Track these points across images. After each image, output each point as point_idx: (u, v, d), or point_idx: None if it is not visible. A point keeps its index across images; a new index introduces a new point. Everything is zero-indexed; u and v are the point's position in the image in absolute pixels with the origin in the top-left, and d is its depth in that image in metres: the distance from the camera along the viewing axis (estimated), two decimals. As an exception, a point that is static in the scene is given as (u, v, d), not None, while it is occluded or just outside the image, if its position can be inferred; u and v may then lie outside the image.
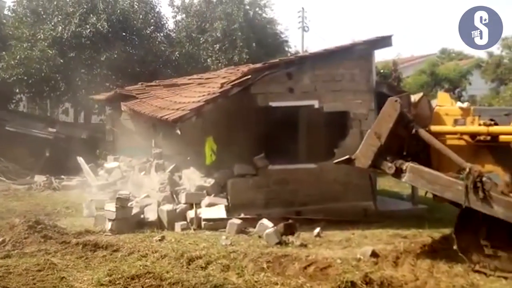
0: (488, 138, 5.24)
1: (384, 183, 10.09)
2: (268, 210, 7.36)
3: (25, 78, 14.50)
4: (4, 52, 14.68)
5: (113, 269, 4.93)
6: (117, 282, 4.62)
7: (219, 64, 16.52)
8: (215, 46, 17.24)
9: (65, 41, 14.91)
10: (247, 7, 18.36)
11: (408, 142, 5.49)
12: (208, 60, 17.15)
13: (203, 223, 7.00)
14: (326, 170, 7.63)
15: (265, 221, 6.66)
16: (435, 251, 5.74)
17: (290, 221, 6.82)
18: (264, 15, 19.02)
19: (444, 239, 6.07)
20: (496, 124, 5.26)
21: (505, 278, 4.92)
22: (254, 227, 6.73)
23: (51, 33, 14.85)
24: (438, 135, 5.43)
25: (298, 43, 28.96)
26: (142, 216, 7.29)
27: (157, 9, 17.61)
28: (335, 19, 67.16)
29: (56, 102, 16.80)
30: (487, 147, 5.32)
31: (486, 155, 5.32)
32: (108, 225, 6.81)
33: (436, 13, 77.50)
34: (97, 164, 11.89)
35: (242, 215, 7.14)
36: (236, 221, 6.88)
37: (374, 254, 5.51)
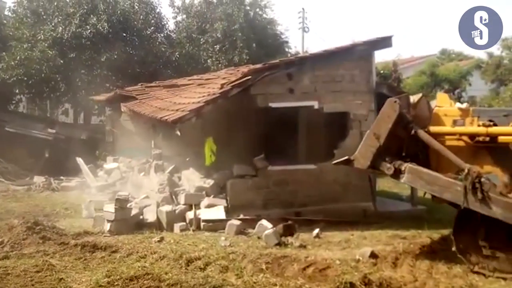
0: (487, 139, 5.23)
1: (384, 184, 10.09)
2: (268, 211, 7.36)
3: (25, 78, 14.50)
4: (4, 53, 14.68)
5: (112, 270, 4.93)
6: (116, 283, 4.61)
7: (219, 65, 16.54)
8: (215, 46, 17.26)
9: (65, 41, 14.92)
10: (248, 7, 18.38)
11: (407, 143, 5.48)
12: (208, 61, 17.16)
13: (202, 224, 6.99)
14: (326, 171, 7.62)
15: (264, 222, 6.65)
16: (434, 252, 5.74)
17: (289, 222, 6.81)
18: (264, 15, 19.06)
19: (443, 240, 6.06)
20: (495, 125, 5.25)
21: (504, 279, 4.91)
22: (253, 228, 6.72)
23: (51, 33, 14.86)
24: (437, 136, 5.42)
25: (298, 43, 29.10)
26: (141, 217, 7.28)
27: (157, 10, 17.67)
28: (335, 20, 67.35)
29: (56, 103, 16.80)
30: (486, 148, 5.31)
31: (485, 156, 5.32)
32: (107, 226, 6.80)
33: (436, 13, 77.60)
34: (96, 165, 11.88)
35: (242, 216, 7.14)
36: (235, 222, 6.87)
37: (373, 255, 5.51)
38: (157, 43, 17.05)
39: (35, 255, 5.54)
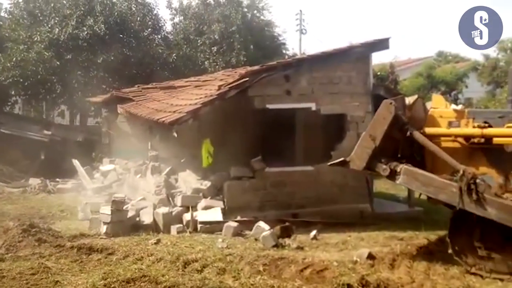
0: (482, 140, 5.26)
1: (381, 185, 10.10)
2: (265, 213, 7.36)
3: (21, 80, 14.43)
4: (0, 54, 14.63)
5: (108, 273, 4.90)
6: (112, 285, 4.59)
7: (217, 67, 16.53)
8: (212, 48, 17.26)
9: (61, 43, 14.87)
10: (245, 9, 18.40)
11: (403, 144, 5.51)
12: (206, 63, 17.15)
13: (199, 226, 6.98)
14: (323, 172, 7.63)
15: (261, 223, 6.65)
16: (431, 253, 5.76)
17: (286, 223, 6.81)
18: (262, 17, 19.08)
19: (440, 241, 6.08)
20: (490, 126, 5.28)
21: (501, 280, 4.93)
22: (251, 229, 6.72)
23: (48, 35, 14.81)
24: (432, 137, 5.45)
25: (295, 45, 29.11)
26: (137, 219, 7.26)
27: (155, 12, 17.62)
28: (332, 22, 67.59)
29: (52, 105, 16.74)
30: (481, 149, 5.34)
31: (480, 157, 5.35)
32: (103, 228, 6.78)
33: (433, 16, 78.03)
34: (92, 166, 11.85)
35: (239, 218, 7.12)
36: (232, 224, 6.86)
37: (370, 257, 5.52)
38: (154, 44, 17.02)
39: (30, 258, 5.51)
